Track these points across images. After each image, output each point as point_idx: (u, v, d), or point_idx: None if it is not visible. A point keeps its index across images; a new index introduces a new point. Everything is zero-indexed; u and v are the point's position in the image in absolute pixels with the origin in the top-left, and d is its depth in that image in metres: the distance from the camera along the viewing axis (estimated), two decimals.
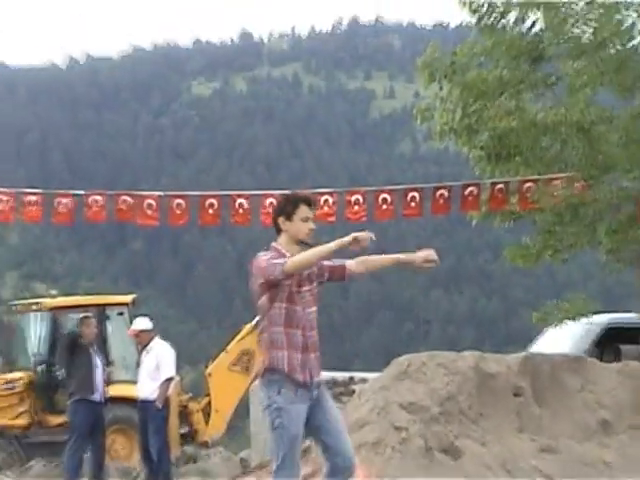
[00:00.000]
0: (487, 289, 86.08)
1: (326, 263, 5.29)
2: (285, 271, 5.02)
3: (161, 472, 11.44)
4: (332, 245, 4.99)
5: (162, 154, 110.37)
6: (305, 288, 5.23)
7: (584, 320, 13.66)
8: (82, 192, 14.32)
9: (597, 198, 13.62)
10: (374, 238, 4.99)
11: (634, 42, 13.45)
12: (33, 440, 15.38)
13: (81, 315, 12.97)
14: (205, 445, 15.98)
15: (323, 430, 5.21)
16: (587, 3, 13.34)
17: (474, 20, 13.76)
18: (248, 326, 16.65)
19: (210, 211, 14.03)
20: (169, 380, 11.55)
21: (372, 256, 5.31)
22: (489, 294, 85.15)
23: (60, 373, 15.45)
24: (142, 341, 11.78)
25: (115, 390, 12.75)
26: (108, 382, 12.26)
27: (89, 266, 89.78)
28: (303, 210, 5.27)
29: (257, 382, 12.45)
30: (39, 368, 16.03)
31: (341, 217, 13.96)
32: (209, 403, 16.62)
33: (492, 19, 13.64)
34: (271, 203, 13.88)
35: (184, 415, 16.14)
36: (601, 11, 13.29)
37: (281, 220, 5.29)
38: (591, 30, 13.51)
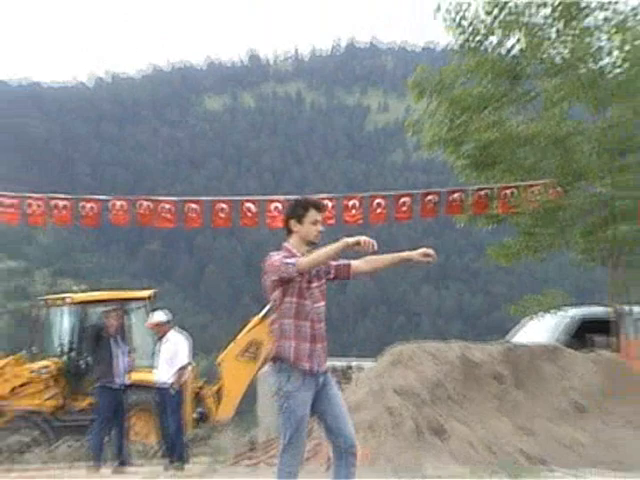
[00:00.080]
0: (472, 285, 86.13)
1: (332, 262, 5.29)
2: (299, 269, 5.03)
3: (177, 451, 11.40)
4: (339, 245, 4.99)
5: (178, 163, 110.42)
6: (314, 284, 5.22)
7: (561, 313, 13.65)
8: (106, 198, 14.31)
9: (571, 203, 13.61)
10: (376, 247, 4.99)
11: (602, 63, 13.44)
12: (60, 423, 15.34)
13: (105, 309, 12.95)
14: (216, 426, 15.95)
15: (327, 414, 5.19)
16: (564, 24, 13.34)
17: (459, 43, 13.77)
18: (256, 318, 16.61)
19: (221, 214, 14.02)
20: (184, 367, 11.52)
21: (376, 256, 5.27)
22: (474, 290, 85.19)
23: (85, 361, 15.44)
24: (160, 332, 11.74)
25: (136, 376, 12.71)
26: (131, 368, 12.22)
27: (112, 264, 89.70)
28: (312, 214, 5.25)
29: (266, 369, 12.45)
30: (66, 357, 15.99)
31: (340, 220, 13.93)
32: (220, 389, 16.59)
33: (475, 42, 13.65)
34: (276, 207, 13.88)
35: (198, 399, 16.11)
36: (576, 32, 13.28)
37: (292, 222, 5.26)
38: (565, 51, 13.51)
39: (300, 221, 5.24)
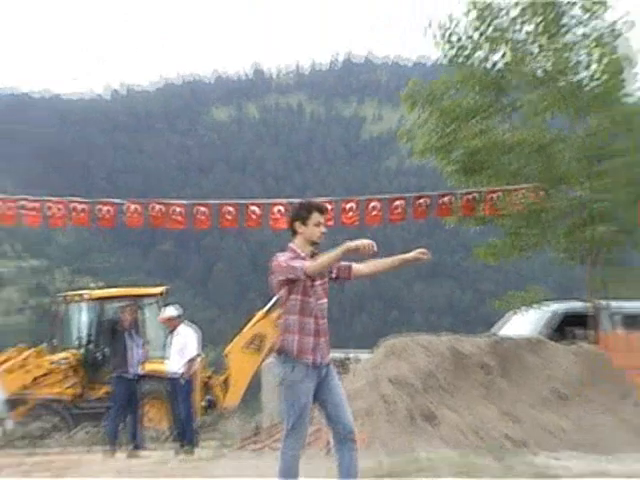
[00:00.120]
0: (461, 282, 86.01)
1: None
2: (307, 273, 5.04)
3: (187, 436, 11.39)
4: (342, 249, 4.99)
5: (188, 169, 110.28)
6: (317, 283, 5.23)
7: (544, 308, 13.65)
8: (121, 201, 14.29)
9: (553, 206, 13.60)
10: (375, 249, 4.99)
11: (581, 75, 13.45)
12: (79, 410, 15.33)
13: (120, 304, 12.94)
14: (224, 413, 15.94)
15: (328, 403, 5.19)
16: (546, 40, 13.35)
17: (448, 57, 13.77)
18: (260, 313, 16.62)
19: (228, 217, 14.00)
20: (194, 358, 11.51)
21: (376, 260, 5.27)
22: (463, 286, 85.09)
23: (102, 353, 15.44)
24: (171, 325, 11.74)
25: (149, 366, 12.70)
26: (145, 359, 12.21)
27: (127, 263, 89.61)
28: (316, 216, 5.26)
29: (270, 360, 12.43)
30: (84, 349, 15.98)
31: (338, 221, 13.92)
32: (227, 378, 16.58)
33: (463, 57, 13.65)
34: (279, 210, 13.86)
35: (206, 388, 16.11)
36: (557, 47, 13.28)
37: (297, 224, 5.26)
38: (547, 65, 13.51)
39: (304, 223, 5.24)
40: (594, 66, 13.33)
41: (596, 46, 13.25)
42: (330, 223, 13.56)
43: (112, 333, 12.20)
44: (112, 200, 14.34)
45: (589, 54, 13.35)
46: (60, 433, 14.48)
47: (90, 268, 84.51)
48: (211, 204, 14.32)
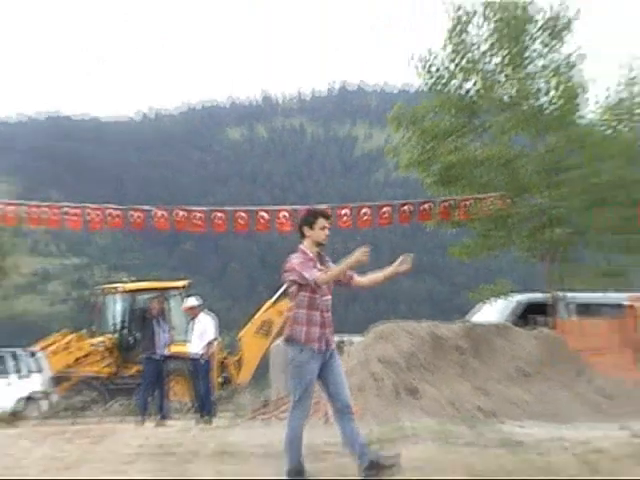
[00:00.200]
0: (439, 277, 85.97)
1: None
2: (317, 283, 5.06)
3: (206, 408, 11.35)
4: (349, 262, 5.02)
5: (206, 181, 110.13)
6: None
7: (509, 298, 13.64)
8: (150, 208, 14.27)
9: (518, 211, 13.61)
10: (368, 251, 5.00)
11: (541, 101, 13.46)
12: (114, 386, 15.30)
13: (149, 295, 12.91)
14: (237, 388, 15.92)
15: (330, 382, 5.17)
16: (512, 70, 13.36)
17: (428, 85, 13.77)
18: (268, 303, 16.61)
19: (240, 221, 13.99)
20: (212, 341, 11.47)
21: (374, 274, 5.29)
22: (441, 281, 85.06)
23: (133, 337, 15.41)
24: (192, 313, 11.70)
25: (173, 349, 12.68)
26: (170, 342, 12.18)
27: (155, 261, 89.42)
28: (321, 221, 5.24)
29: (277, 343, 12.40)
30: (118, 334, 15.96)
31: (334, 225, 13.89)
32: (240, 359, 16.55)
33: (441, 85, 13.65)
34: (284, 215, 13.83)
35: (222, 367, 16.07)
36: (520, 76, 13.28)
37: (305, 229, 5.24)
38: (512, 91, 13.51)
39: (311, 227, 5.22)
40: (552, 92, 13.34)
41: (554, 75, 13.27)
42: None
43: (142, 320, 12.17)
44: (142, 207, 14.32)
45: (548, 82, 13.37)
46: (98, 405, 14.45)
47: (123, 265, 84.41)
48: (226, 211, 14.31)
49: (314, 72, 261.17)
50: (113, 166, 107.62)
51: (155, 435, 8.56)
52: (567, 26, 13.31)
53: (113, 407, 14.21)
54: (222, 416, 11.57)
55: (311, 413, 5.59)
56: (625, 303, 12.18)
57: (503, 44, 13.34)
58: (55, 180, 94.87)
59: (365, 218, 14.30)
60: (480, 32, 13.49)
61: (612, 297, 13.24)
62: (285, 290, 5.30)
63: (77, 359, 15.44)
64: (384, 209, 14.50)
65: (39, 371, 15.76)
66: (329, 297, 5.24)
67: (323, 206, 14.08)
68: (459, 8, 13.46)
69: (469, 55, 13.43)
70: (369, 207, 14.55)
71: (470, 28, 13.49)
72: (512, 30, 13.23)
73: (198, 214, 14.05)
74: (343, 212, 14.21)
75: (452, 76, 13.58)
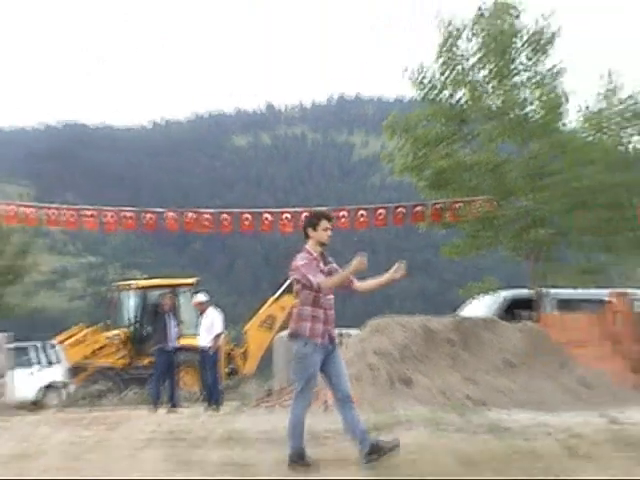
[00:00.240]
0: (431, 274, 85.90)
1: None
2: (320, 288, 5.05)
3: (214, 397, 11.38)
4: (350, 270, 5.03)
5: (214, 184, 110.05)
6: None
7: (496, 295, 13.64)
8: (161, 210, 14.28)
9: (504, 213, 13.61)
10: (365, 261, 5.01)
11: (526, 110, 13.47)
12: (128, 376, 15.31)
13: (161, 292, 12.92)
14: (243, 379, 15.93)
15: (331, 373, 5.18)
16: (498, 82, 13.37)
17: (421, 95, 13.78)
18: (272, 298, 16.62)
19: (246, 222, 14.00)
20: (219, 335, 11.50)
21: (373, 280, 5.28)
22: (433, 278, 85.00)
23: (146, 331, 15.43)
24: (201, 308, 11.72)
25: (183, 341, 12.70)
26: (180, 335, 12.20)
27: (166, 259, 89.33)
28: (324, 222, 5.24)
29: (280, 335, 12.41)
30: (132, 327, 15.98)
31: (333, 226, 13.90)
32: (245, 351, 16.56)
33: (432, 95, 13.66)
34: (286, 217, 13.84)
35: (229, 358, 16.09)
36: (507, 88, 13.29)
37: (309, 230, 5.24)
38: (499, 102, 13.52)
39: (315, 228, 5.22)
40: (536, 103, 13.36)
41: (538, 87, 13.28)
42: None
43: (154, 315, 12.20)
44: (154, 209, 14.33)
45: (532, 93, 13.39)
46: (113, 394, 14.48)
47: (136, 263, 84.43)
48: (233, 212, 14.32)
49: (315, 83, 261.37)
50: (126, 171, 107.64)
51: (167, 422, 8.56)
52: (550, 41, 13.33)
53: (127, 396, 14.24)
54: (229, 404, 11.59)
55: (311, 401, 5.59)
56: (605, 299, 12.17)
57: (490, 57, 13.36)
58: (71, 184, 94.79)
59: (362, 219, 14.32)
60: (469, 46, 13.51)
61: (592, 293, 13.24)
62: (288, 286, 5.32)
63: (93, 351, 15.46)
64: (380, 211, 14.52)
65: (59, 362, 15.79)
66: (331, 296, 5.25)
67: (323, 208, 14.15)
68: (449, 24, 13.48)
69: (459, 67, 13.45)
70: (366, 209, 14.56)
71: (460, 42, 13.51)
72: (499, 44, 13.25)
73: (206, 216, 14.06)
74: (341, 214, 14.22)
75: (443, 87, 13.60)
